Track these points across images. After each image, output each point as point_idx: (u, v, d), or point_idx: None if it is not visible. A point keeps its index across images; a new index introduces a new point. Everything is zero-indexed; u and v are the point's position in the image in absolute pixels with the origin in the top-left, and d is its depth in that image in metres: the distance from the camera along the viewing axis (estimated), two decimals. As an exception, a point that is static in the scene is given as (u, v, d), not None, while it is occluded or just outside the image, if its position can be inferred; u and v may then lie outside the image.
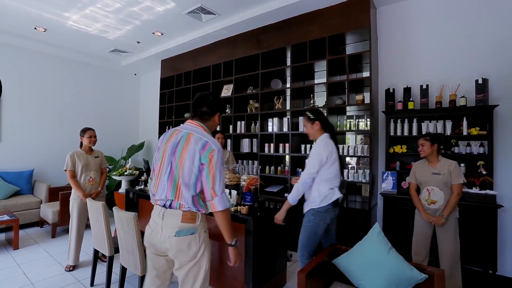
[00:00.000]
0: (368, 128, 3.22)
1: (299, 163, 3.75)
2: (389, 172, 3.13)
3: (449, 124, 2.90)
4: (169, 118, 5.46)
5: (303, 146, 3.65)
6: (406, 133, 3.12)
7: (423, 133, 2.95)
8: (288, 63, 4.09)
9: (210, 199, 1.41)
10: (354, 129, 3.51)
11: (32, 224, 4.38)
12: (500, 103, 2.70)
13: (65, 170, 2.90)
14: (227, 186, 2.70)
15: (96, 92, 5.98)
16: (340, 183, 2.21)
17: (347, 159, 3.71)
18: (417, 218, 2.49)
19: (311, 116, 2.18)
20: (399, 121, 3.17)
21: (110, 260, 2.41)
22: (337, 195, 2.13)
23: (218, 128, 4.61)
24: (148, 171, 3.65)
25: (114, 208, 2.22)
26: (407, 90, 3.17)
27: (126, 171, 3.58)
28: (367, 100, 3.20)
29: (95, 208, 2.44)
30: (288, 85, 4.10)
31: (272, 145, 3.88)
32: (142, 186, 3.38)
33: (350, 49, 3.68)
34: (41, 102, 5.17)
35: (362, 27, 3.15)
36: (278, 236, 2.56)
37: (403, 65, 3.33)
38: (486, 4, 2.88)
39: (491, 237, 2.53)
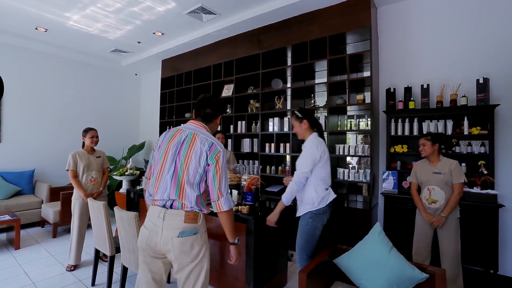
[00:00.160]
0: (369, 127, 3.21)
1: (299, 163, 3.74)
2: (390, 172, 3.13)
3: (450, 123, 2.90)
4: (169, 118, 5.46)
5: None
6: (407, 132, 3.11)
7: (424, 132, 2.95)
8: (289, 63, 4.09)
9: (216, 199, 1.42)
10: (355, 129, 3.51)
11: (33, 224, 4.39)
12: (501, 103, 2.69)
13: (67, 170, 2.91)
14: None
15: (96, 92, 5.99)
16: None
17: (348, 158, 3.71)
18: (418, 218, 2.49)
19: (299, 115, 2.15)
20: (400, 120, 3.17)
21: (111, 260, 2.41)
22: (333, 195, 2.12)
23: (218, 128, 4.61)
24: (149, 171, 3.64)
25: (115, 208, 2.23)
26: (407, 90, 3.17)
27: (127, 171, 3.59)
28: (367, 100, 3.20)
29: (96, 208, 2.45)
30: (288, 85, 4.10)
31: (273, 145, 3.88)
32: (143, 186, 3.39)
33: (350, 49, 3.68)
34: (42, 102, 5.18)
35: (363, 26, 3.15)
36: (279, 236, 2.56)
37: (403, 64, 3.32)
38: (487, 3, 2.88)
39: (492, 237, 2.53)
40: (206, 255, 1.46)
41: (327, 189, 2.11)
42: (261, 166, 3.89)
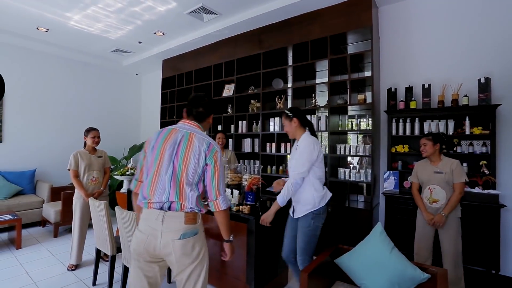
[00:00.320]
0: (370, 127, 3.21)
1: (300, 162, 3.74)
2: (391, 172, 3.13)
3: (451, 123, 2.89)
4: (170, 118, 5.46)
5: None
6: (408, 132, 3.11)
7: (425, 132, 2.94)
8: (290, 62, 4.09)
9: (214, 198, 1.43)
10: (356, 129, 3.51)
11: (35, 224, 4.40)
12: (502, 102, 2.69)
13: (69, 170, 2.91)
14: (228, 186, 2.70)
15: (97, 92, 5.99)
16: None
17: (349, 158, 3.71)
18: (419, 218, 2.48)
19: (289, 114, 2.12)
20: (401, 120, 3.16)
21: (112, 260, 2.41)
22: (329, 194, 2.12)
23: (219, 128, 4.62)
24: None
25: (116, 208, 2.23)
26: (409, 90, 3.16)
27: (127, 171, 3.59)
28: (369, 100, 3.20)
29: (97, 208, 2.45)
30: (289, 84, 4.10)
31: (273, 144, 3.88)
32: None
33: (351, 49, 3.67)
34: (43, 102, 5.19)
35: (364, 26, 3.14)
36: (280, 235, 2.55)
37: (405, 64, 3.32)
38: (489, 2, 2.87)
39: (494, 237, 2.52)
40: (206, 254, 1.46)
41: (324, 187, 2.09)
42: (262, 166, 3.89)
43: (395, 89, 3.23)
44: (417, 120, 3.06)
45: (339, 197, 3.57)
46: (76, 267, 2.94)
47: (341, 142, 3.65)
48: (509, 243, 2.69)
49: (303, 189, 2.03)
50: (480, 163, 2.73)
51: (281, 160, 4.13)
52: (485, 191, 2.57)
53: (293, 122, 2.11)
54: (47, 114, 5.23)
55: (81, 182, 2.92)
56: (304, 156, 1.99)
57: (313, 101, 3.65)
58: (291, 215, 2.14)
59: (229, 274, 2.42)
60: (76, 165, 2.91)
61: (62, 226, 4.04)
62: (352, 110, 3.56)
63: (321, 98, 3.77)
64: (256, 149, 4.12)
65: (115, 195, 3.88)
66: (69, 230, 4.11)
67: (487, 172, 2.67)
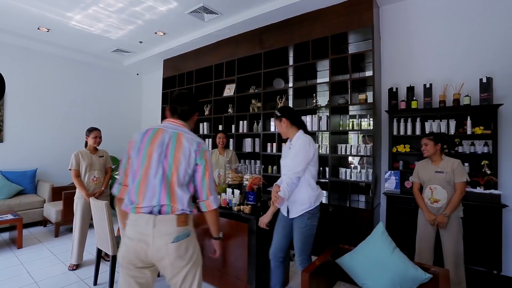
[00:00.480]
0: (371, 127, 3.20)
1: (301, 162, 3.73)
2: (392, 172, 3.12)
3: (452, 123, 2.88)
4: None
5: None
6: (409, 132, 3.10)
7: (427, 132, 2.93)
8: (291, 62, 4.09)
9: (205, 198, 1.40)
10: (357, 129, 3.50)
11: (36, 224, 4.40)
12: (504, 102, 2.68)
13: (70, 169, 2.91)
14: (229, 186, 2.70)
15: (98, 92, 6.00)
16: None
17: (350, 158, 3.70)
18: (421, 218, 2.48)
19: (278, 114, 2.10)
20: (402, 120, 3.16)
21: (113, 259, 2.42)
22: (323, 193, 2.10)
23: (220, 128, 4.61)
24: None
25: (117, 207, 2.22)
26: (410, 89, 3.15)
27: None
28: (370, 100, 3.19)
29: (98, 207, 2.45)
30: (290, 84, 4.09)
31: (274, 144, 3.88)
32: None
33: (352, 48, 3.67)
34: (44, 102, 5.19)
35: (365, 26, 3.14)
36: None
37: (406, 64, 3.31)
38: (491, 2, 2.86)
39: (496, 237, 2.51)
40: (199, 254, 1.44)
41: (318, 186, 2.07)
42: (263, 166, 3.89)
43: (396, 88, 3.23)
44: (418, 120, 3.06)
45: (340, 197, 3.57)
46: (77, 266, 2.94)
47: (342, 142, 3.64)
48: (511, 243, 2.68)
49: (299, 189, 1.99)
50: (482, 163, 2.73)
51: (282, 160, 4.12)
52: (487, 191, 2.57)
53: (283, 122, 2.07)
54: (48, 114, 5.23)
55: (82, 181, 2.93)
56: (300, 155, 1.95)
57: (314, 101, 3.64)
58: (285, 214, 2.09)
59: (230, 274, 2.41)
60: (77, 164, 2.91)
61: (63, 226, 4.04)
62: (353, 110, 3.55)
63: (322, 98, 3.76)
64: (257, 149, 4.12)
65: (116, 195, 3.88)
66: (70, 230, 4.11)
67: (488, 172, 2.67)
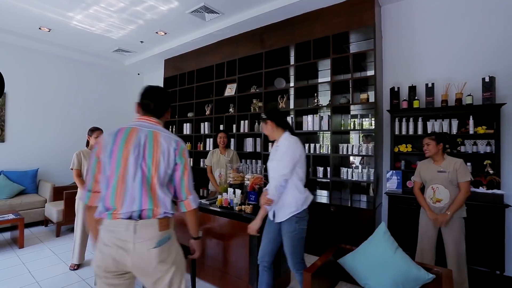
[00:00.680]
0: (373, 127, 3.19)
1: (303, 162, 3.73)
2: (394, 172, 3.11)
3: (455, 122, 2.87)
4: (172, 117, 5.46)
5: (306, 146, 3.63)
6: (411, 132, 3.09)
7: (429, 132, 2.92)
8: (292, 62, 4.07)
9: (185, 198, 1.36)
10: (358, 128, 3.49)
11: (37, 223, 4.41)
12: (507, 102, 2.66)
13: (71, 169, 2.91)
14: (231, 186, 2.70)
15: (100, 91, 6.01)
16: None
17: (351, 158, 3.69)
18: (422, 218, 2.46)
19: (263, 116, 2.07)
20: (404, 120, 3.14)
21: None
22: (311, 196, 2.02)
23: (221, 128, 4.61)
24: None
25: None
26: (412, 89, 3.14)
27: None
28: (371, 99, 3.18)
29: (100, 207, 2.45)
30: (291, 84, 4.08)
31: (275, 144, 3.86)
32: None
33: (354, 48, 3.66)
34: (46, 102, 5.20)
35: (367, 25, 3.13)
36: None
37: (408, 63, 3.30)
38: (493, 1, 2.84)
39: (499, 237, 2.50)
40: (182, 256, 1.40)
41: (305, 189, 2.00)
42: (264, 166, 3.88)
43: (398, 88, 3.22)
44: (420, 119, 3.04)
45: (342, 197, 3.56)
46: (78, 266, 2.94)
47: (344, 141, 3.63)
48: (514, 244, 2.67)
49: (286, 192, 1.93)
50: (485, 163, 2.71)
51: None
52: (490, 191, 2.55)
53: (268, 125, 2.04)
54: (49, 114, 5.24)
55: (84, 181, 2.92)
56: (287, 157, 1.90)
57: (316, 101, 3.63)
58: (271, 218, 2.04)
59: (232, 274, 2.41)
60: (79, 164, 2.91)
61: (64, 226, 4.05)
62: (354, 109, 3.54)
63: (324, 97, 3.75)
64: (258, 149, 4.11)
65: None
66: (71, 230, 4.11)
67: (491, 172, 2.65)
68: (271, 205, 1.94)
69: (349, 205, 3.19)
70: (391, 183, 3.11)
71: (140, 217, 1.24)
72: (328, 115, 3.46)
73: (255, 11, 3.72)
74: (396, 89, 3.21)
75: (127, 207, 1.23)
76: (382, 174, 3.35)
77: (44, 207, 4.36)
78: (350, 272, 1.87)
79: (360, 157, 3.59)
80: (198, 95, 5.00)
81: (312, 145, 3.57)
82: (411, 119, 3.11)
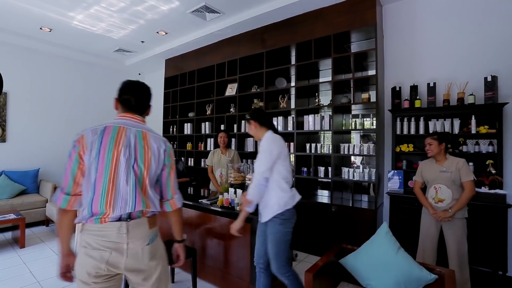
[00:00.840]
0: (374, 126, 3.18)
1: (304, 162, 3.72)
2: (395, 171, 3.10)
3: (457, 122, 2.85)
4: (173, 117, 5.47)
5: (308, 145, 3.62)
6: (412, 131, 3.08)
7: (430, 131, 2.91)
8: (293, 61, 4.06)
9: (170, 197, 1.35)
10: (359, 128, 3.48)
11: (38, 223, 4.41)
12: (510, 101, 2.65)
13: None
14: (232, 185, 2.69)
15: (100, 91, 6.01)
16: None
17: (352, 158, 3.68)
18: (424, 218, 2.45)
19: (247, 117, 2.08)
20: (405, 119, 3.13)
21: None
22: (298, 196, 1.98)
23: (222, 127, 4.60)
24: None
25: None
26: (413, 88, 3.13)
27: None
28: (373, 99, 3.17)
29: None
30: (292, 83, 4.07)
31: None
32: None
33: (355, 47, 3.64)
34: (47, 102, 5.21)
35: (368, 24, 3.12)
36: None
37: (409, 62, 3.28)
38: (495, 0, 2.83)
39: (501, 237, 2.49)
40: (165, 250, 1.40)
41: (291, 188, 1.95)
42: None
43: (400, 87, 3.20)
44: (422, 119, 3.03)
45: (343, 197, 3.55)
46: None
47: (345, 141, 3.62)
48: (516, 244, 2.65)
49: (269, 191, 1.89)
50: (487, 163, 2.70)
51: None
52: (492, 191, 2.54)
53: (252, 125, 2.05)
54: (50, 114, 5.25)
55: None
56: (264, 154, 1.89)
57: (317, 100, 3.62)
58: (259, 219, 2.01)
59: (233, 274, 2.40)
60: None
61: (65, 226, 4.04)
62: (356, 109, 3.53)
63: (325, 97, 3.74)
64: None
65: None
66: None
67: (493, 171, 2.64)
68: (250, 206, 1.89)
69: (351, 205, 3.18)
70: (392, 183, 3.10)
71: (130, 217, 1.22)
72: (329, 115, 3.45)
73: (255, 10, 3.71)
74: (397, 89, 3.19)
75: (119, 211, 1.18)
76: (384, 174, 3.34)
77: (45, 207, 4.36)
78: (352, 273, 1.86)
79: (361, 157, 3.58)
80: (199, 95, 4.99)
81: (313, 145, 3.57)
82: (412, 119, 3.09)
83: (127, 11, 3.76)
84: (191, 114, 5.12)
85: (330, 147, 3.38)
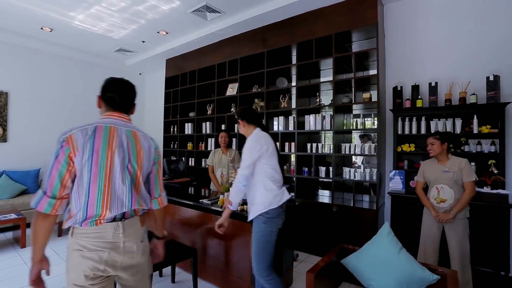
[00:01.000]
0: (375, 126, 3.17)
1: (304, 162, 3.71)
2: (397, 171, 3.09)
3: (458, 122, 2.84)
4: (174, 117, 5.46)
5: (309, 145, 3.61)
6: (414, 131, 3.06)
7: (432, 131, 2.90)
8: (294, 61, 4.05)
9: (158, 195, 1.37)
10: (361, 128, 3.47)
11: (39, 223, 4.41)
12: (512, 101, 2.64)
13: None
14: (232, 185, 2.68)
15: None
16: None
17: (353, 158, 3.67)
18: (425, 218, 2.44)
19: (236, 117, 2.08)
20: (407, 119, 3.12)
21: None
22: (287, 195, 1.93)
23: (223, 127, 4.60)
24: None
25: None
26: (415, 88, 3.12)
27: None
28: (374, 98, 3.16)
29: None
30: (293, 83, 4.06)
31: (277, 144, 3.83)
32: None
33: (356, 47, 3.64)
34: (48, 102, 5.21)
35: (369, 24, 3.11)
36: (284, 235, 2.52)
37: (411, 62, 3.27)
38: (497, -1, 2.82)
39: (503, 238, 2.47)
40: (149, 245, 1.42)
41: (280, 187, 1.91)
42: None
43: (401, 87, 3.19)
44: (423, 118, 3.02)
45: (344, 197, 3.54)
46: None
47: (346, 141, 3.61)
48: (519, 244, 2.64)
49: (254, 190, 1.87)
50: (489, 163, 2.69)
51: (285, 160, 4.09)
52: (494, 191, 2.53)
53: (241, 124, 2.04)
54: (51, 114, 5.25)
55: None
56: (246, 151, 1.87)
57: (318, 100, 3.62)
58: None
59: (234, 274, 2.40)
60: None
61: (66, 225, 4.05)
62: (357, 109, 3.52)
63: (326, 97, 3.73)
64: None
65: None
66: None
67: (496, 171, 2.62)
68: (231, 205, 1.88)
69: (352, 205, 3.17)
70: (394, 183, 3.08)
71: (124, 216, 1.22)
72: (330, 114, 3.44)
73: (256, 10, 3.71)
74: (399, 88, 3.18)
75: (115, 212, 1.17)
76: (385, 174, 3.33)
77: (46, 207, 4.36)
78: (354, 273, 1.85)
79: (362, 157, 3.57)
80: (199, 94, 4.99)
81: (314, 145, 3.56)
82: (414, 119, 3.08)
83: (128, 10, 3.76)
84: (191, 114, 5.12)
85: (331, 147, 3.37)
